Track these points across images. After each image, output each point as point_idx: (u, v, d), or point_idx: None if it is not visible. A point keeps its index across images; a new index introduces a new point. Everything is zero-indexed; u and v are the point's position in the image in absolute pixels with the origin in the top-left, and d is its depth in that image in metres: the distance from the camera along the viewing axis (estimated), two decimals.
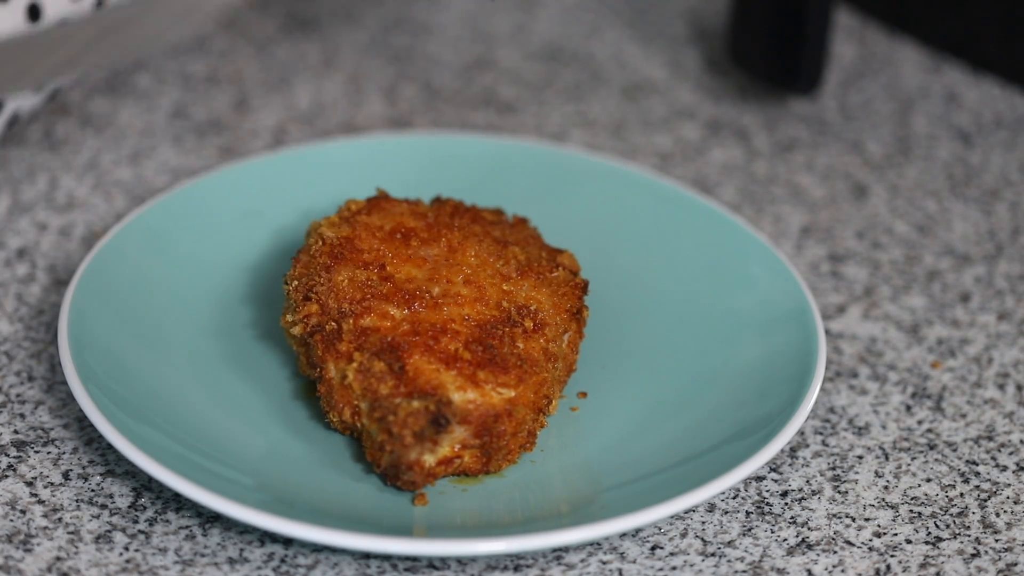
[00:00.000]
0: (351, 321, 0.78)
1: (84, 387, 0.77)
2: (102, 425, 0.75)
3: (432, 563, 0.75)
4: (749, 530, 0.78)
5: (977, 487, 0.82)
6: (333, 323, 0.78)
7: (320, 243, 0.83)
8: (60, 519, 0.77)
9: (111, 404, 0.77)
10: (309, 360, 0.81)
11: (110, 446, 0.80)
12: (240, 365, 0.84)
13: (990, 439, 0.85)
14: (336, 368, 0.78)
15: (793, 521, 0.79)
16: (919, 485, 0.82)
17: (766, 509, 0.79)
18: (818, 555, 0.77)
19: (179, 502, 0.78)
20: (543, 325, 0.80)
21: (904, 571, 0.77)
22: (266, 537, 0.76)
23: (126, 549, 0.75)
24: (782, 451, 0.82)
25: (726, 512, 0.79)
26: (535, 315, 0.80)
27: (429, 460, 0.76)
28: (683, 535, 0.78)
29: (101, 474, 0.79)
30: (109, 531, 0.76)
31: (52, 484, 0.79)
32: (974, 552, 0.78)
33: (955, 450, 0.84)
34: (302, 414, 0.82)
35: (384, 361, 0.76)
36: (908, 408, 0.86)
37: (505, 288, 0.81)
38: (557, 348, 0.80)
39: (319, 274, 0.81)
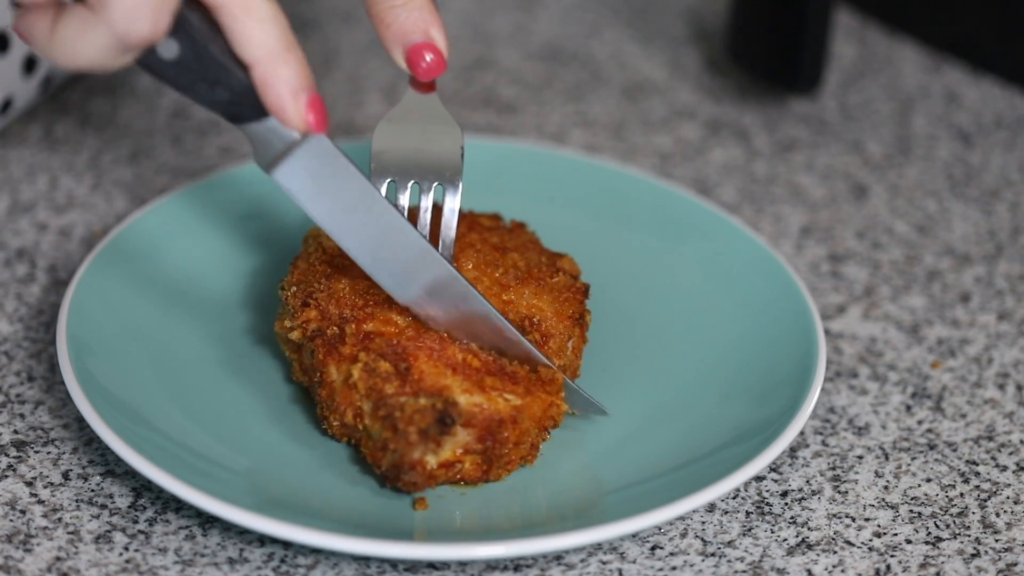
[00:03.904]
0: (354, 326, 0.78)
1: (82, 390, 0.77)
2: (100, 428, 0.75)
3: (432, 563, 0.75)
4: (749, 530, 0.78)
5: (977, 487, 0.82)
6: (335, 328, 0.78)
7: (321, 252, 0.83)
8: (60, 519, 0.77)
9: (109, 407, 0.77)
10: (303, 366, 0.81)
11: (109, 447, 0.80)
12: (240, 368, 0.84)
13: (990, 439, 0.85)
14: (339, 371, 0.77)
15: (793, 521, 0.79)
16: (919, 485, 0.82)
17: (766, 509, 0.79)
18: (818, 555, 0.77)
19: (179, 502, 0.78)
20: (548, 336, 0.80)
21: (904, 571, 0.77)
22: (266, 537, 0.76)
23: (126, 549, 0.75)
24: (782, 451, 0.82)
25: (726, 512, 0.79)
26: (539, 326, 0.80)
27: (431, 461, 0.75)
28: (683, 535, 0.78)
29: (101, 474, 0.79)
30: (109, 531, 0.76)
31: (52, 484, 0.79)
32: (974, 552, 0.78)
33: (955, 450, 0.84)
34: (301, 419, 0.82)
35: (390, 362, 0.76)
36: (908, 408, 0.86)
37: (505, 298, 0.81)
38: (564, 359, 0.80)
39: (318, 281, 0.81)
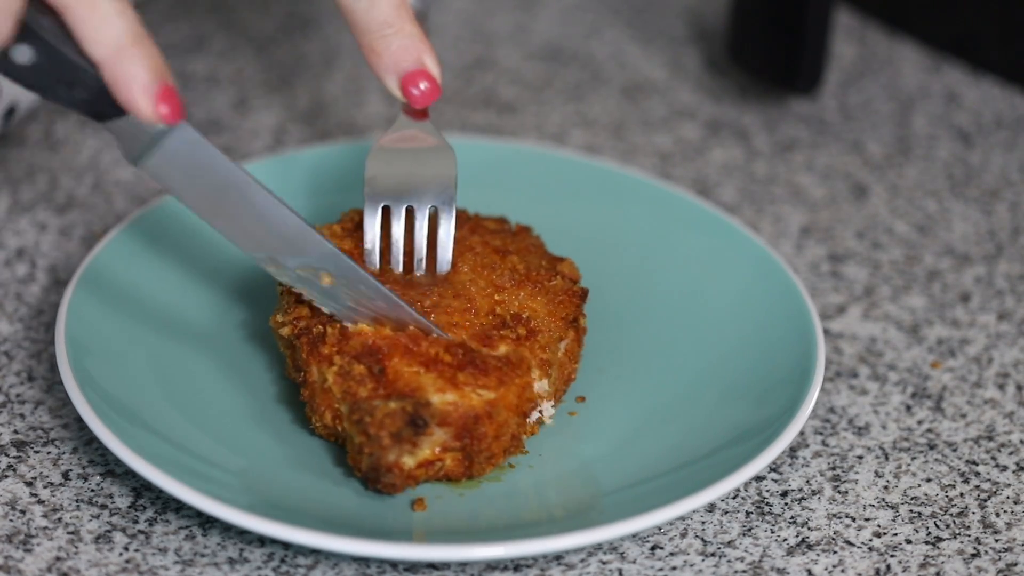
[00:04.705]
0: (337, 326, 0.78)
1: (81, 392, 0.77)
2: (100, 430, 0.75)
3: (432, 563, 0.75)
4: (749, 530, 0.78)
5: (977, 487, 0.82)
6: (320, 327, 0.78)
7: None
8: (60, 519, 0.77)
9: (108, 408, 0.77)
10: (295, 363, 0.81)
11: (109, 449, 0.80)
12: (238, 368, 0.84)
13: (990, 439, 0.85)
14: (318, 371, 0.78)
15: (793, 521, 0.79)
16: (919, 485, 0.82)
17: (766, 509, 0.79)
18: (818, 555, 0.77)
19: (179, 502, 0.78)
20: (535, 332, 0.80)
21: (904, 571, 0.77)
22: (266, 537, 0.76)
23: (126, 549, 0.75)
24: (782, 451, 0.82)
25: (726, 512, 0.79)
26: (527, 322, 0.80)
27: (408, 462, 0.75)
28: (683, 535, 0.78)
29: (101, 474, 0.79)
30: (109, 531, 0.76)
31: (52, 484, 0.79)
32: (974, 552, 0.78)
33: (955, 450, 0.84)
34: (298, 417, 0.82)
35: (364, 364, 0.76)
36: (908, 408, 0.86)
37: (497, 298, 0.81)
38: (551, 355, 0.80)
39: None
